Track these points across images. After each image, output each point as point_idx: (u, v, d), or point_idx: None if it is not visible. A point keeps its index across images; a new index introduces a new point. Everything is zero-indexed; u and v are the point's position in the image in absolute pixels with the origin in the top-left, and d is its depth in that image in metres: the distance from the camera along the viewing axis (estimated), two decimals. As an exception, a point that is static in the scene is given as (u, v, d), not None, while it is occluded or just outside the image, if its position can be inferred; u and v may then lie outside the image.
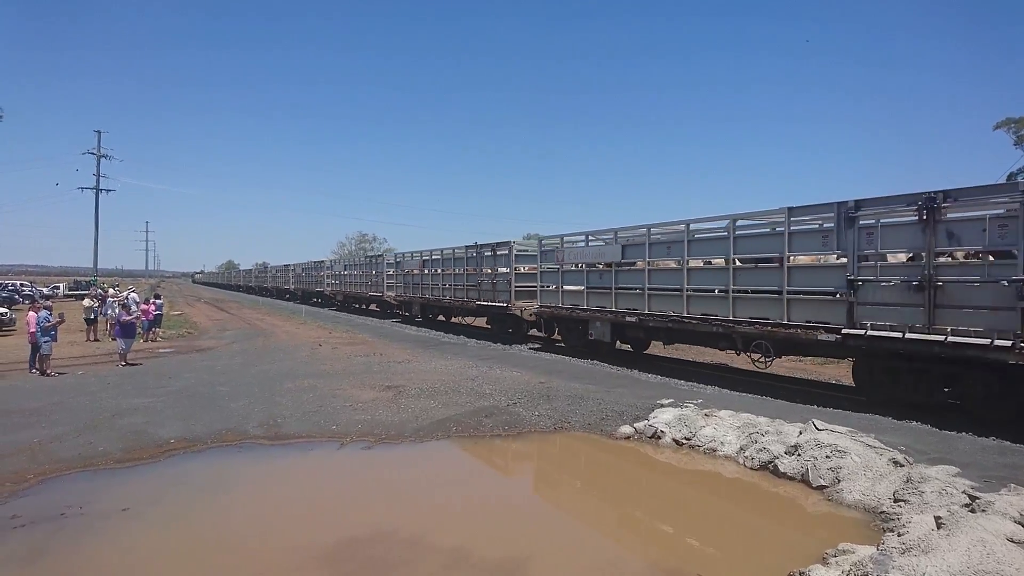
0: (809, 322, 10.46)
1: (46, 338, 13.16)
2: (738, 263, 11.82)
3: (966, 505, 5.25)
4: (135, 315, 16.76)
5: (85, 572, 5.00)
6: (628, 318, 14.39)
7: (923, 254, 8.89)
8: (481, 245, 21.88)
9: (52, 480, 6.88)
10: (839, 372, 13.77)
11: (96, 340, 19.33)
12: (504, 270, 20.22)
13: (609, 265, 15.24)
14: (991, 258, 8.46)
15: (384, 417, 9.37)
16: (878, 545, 4.62)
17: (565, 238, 17.26)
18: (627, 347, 16.80)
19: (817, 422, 7.63)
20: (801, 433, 7.43)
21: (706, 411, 8.80)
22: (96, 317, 20.19)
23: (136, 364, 14.52)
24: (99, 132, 47.46)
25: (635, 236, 14.61)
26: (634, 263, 14.50)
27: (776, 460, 7.06)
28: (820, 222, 10.47)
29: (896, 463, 6.54)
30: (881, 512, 5.70)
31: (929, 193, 8.78)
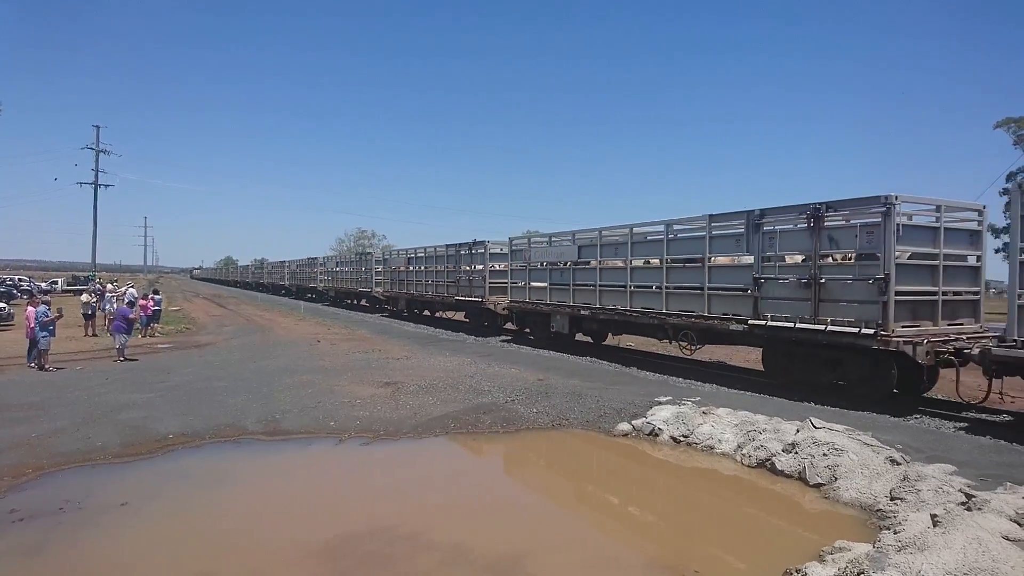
0: (725, 314, 11.93)
1: (44, 333, 13.14)
2: (671, 263, 13.24)
3: (962, 503, 5.27)
4: (134, 311, 16.75)
5: (84, 566, 5.00)
6: (583, 312, 15.89)
7: (811, 256, 10.31)
8: (459, 244, 22.94)
9: (51, 474, 6.88)
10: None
11: (94, 335, 19.32)
12: (480, 267, 21.42)
13: (568, 264, 16.60)
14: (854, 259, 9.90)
15: (382, 413, 9.37)
16: (874, 543, 4.63)
17: (532, 239, 18.92)
18: (587, 339, 18.10)
19: (814, 420, 7.64)
20: (798, 431, 7.44)
21: (704, 409, 8.81)
22: (94, 312, 20.18)
23: (133, 360, 14.51)
24: (98, 127, 47.44)
25: (590, 238, 15.97)
26: (588, 262, 15.92)
27: (773, 458, 7.08)
28: (735, 227, 11.83)
29: (893, 461, 6.56)
30: (878, 510, 5.71)
31: (815, 204, 10.17)
